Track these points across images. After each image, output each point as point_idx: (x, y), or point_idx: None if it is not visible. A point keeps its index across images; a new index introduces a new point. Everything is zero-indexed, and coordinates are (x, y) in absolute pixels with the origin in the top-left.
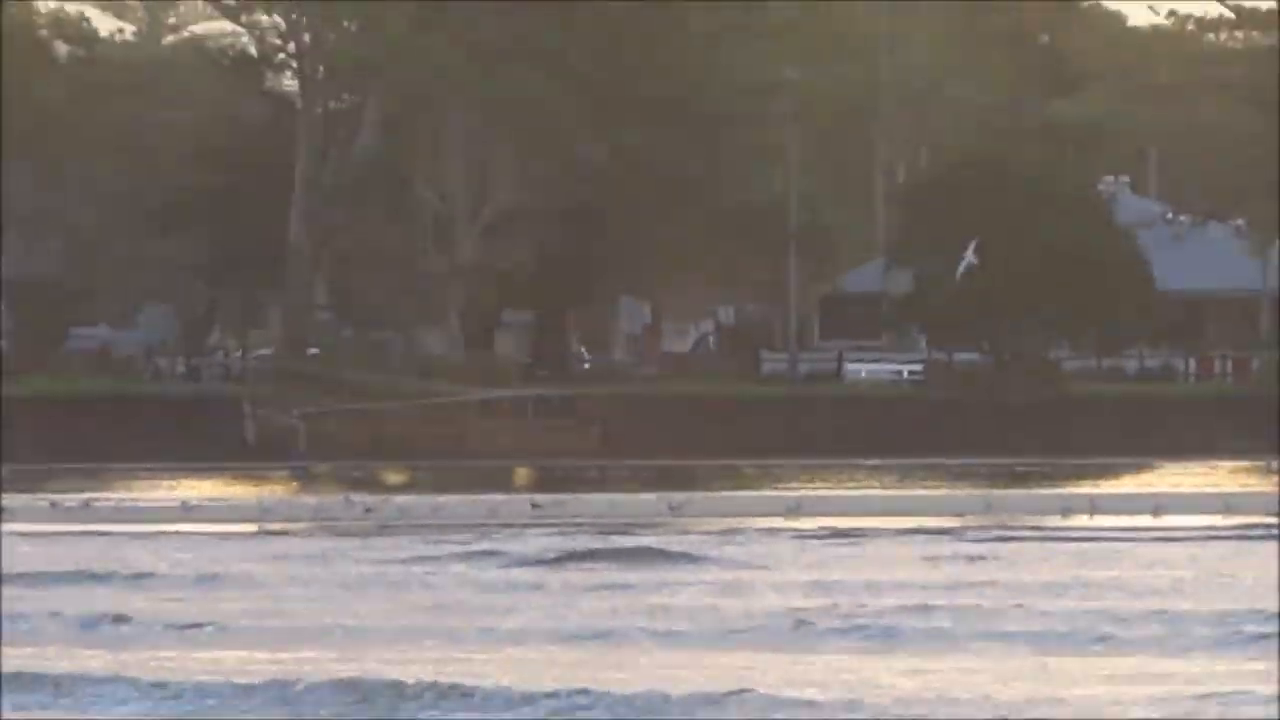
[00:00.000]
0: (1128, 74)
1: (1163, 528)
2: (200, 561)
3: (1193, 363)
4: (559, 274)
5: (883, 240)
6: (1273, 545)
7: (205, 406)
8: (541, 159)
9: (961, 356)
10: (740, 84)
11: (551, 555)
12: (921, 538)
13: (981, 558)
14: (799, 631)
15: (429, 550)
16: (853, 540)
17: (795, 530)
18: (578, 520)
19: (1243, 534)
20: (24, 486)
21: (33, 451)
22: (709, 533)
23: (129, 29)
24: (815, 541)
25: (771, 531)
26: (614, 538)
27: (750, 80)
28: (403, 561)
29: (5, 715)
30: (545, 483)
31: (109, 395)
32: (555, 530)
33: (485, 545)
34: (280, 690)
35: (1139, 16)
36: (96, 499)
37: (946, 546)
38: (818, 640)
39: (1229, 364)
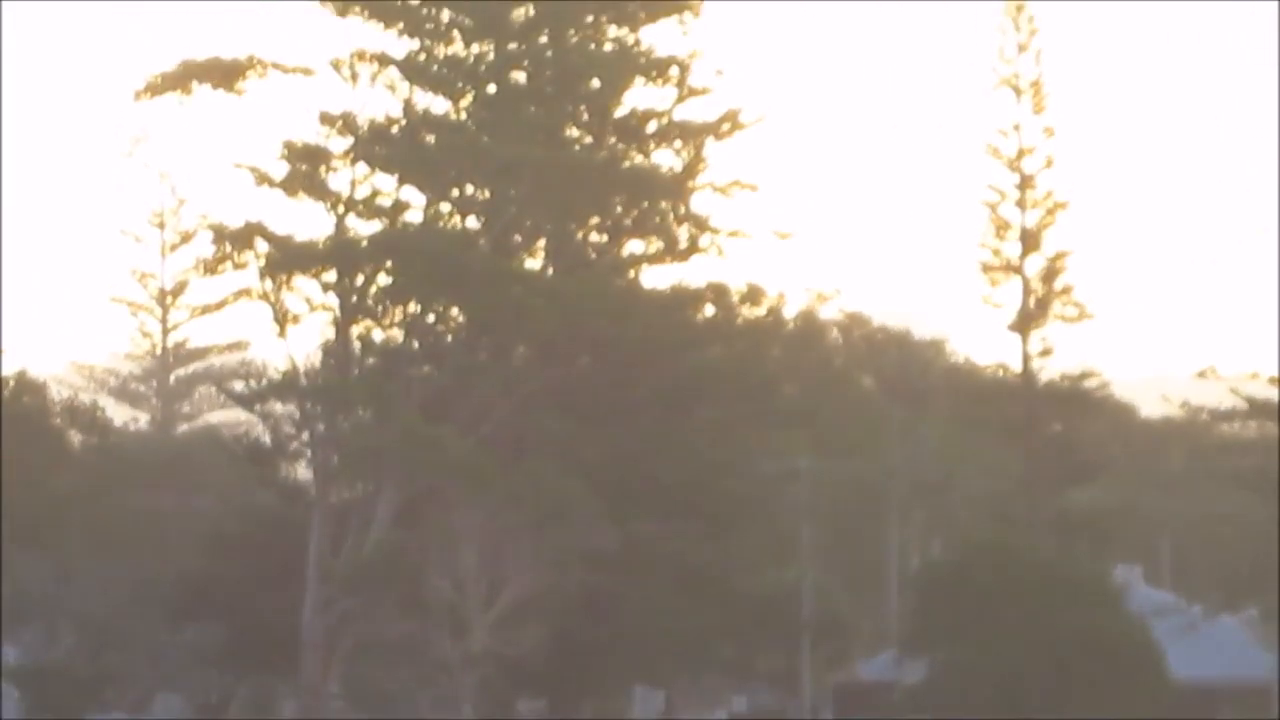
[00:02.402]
0: (1140, 463)
1: None
2: None
3: None
4: (573, 661)
5: (897, 629)
6: None
7: None
8: (555, 547)
9: None
10: (753, 474)
11: None
12: None
13: None
14: None
15: None
16: None
17: None
18: None
19: None
20: None
21: None
22: None
23: (143, 418)
24: None
25: None
26: None
27: (763, 470)
28: None
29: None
30: None
31: None
32: None
33: None
34: None
35: (1151, 407)
36: None
37: None
38: None
39: None
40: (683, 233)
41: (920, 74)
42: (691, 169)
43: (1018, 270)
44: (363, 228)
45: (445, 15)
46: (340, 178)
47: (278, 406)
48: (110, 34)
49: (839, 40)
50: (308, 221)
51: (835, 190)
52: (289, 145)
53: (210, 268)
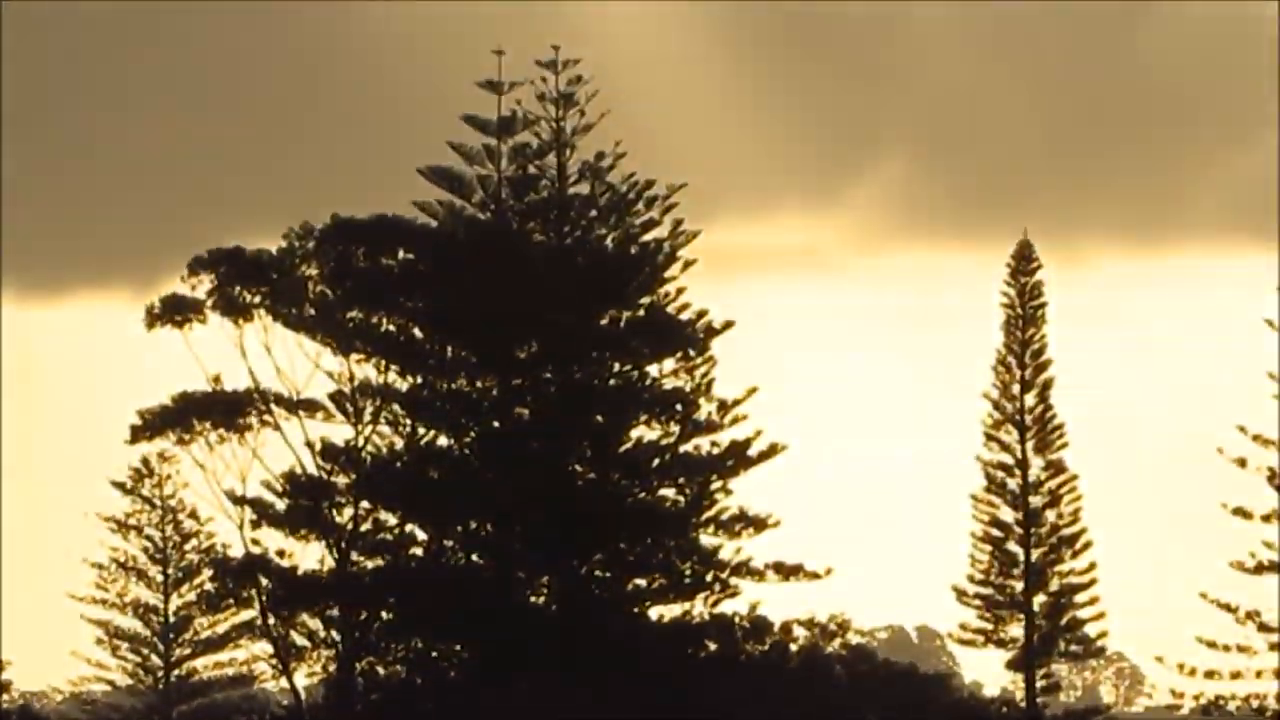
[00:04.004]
0: None
1: None
2: None
3: None
4: None
5: None
6: None
7: None
8: None
9: None
10: None
11: None
12: None
13: None
14: None
15: None
16: None
17: None
18: None
19: None
20: None
21: None
22: None
23: None
24: None
25: None
26: None
27: None
28: None
29: None
30: None
31: None
32: None
33: None
34: None
35: None
36: None
37: None
38: None
39: None
40: (687, 569)
41: (924, 400)
42: (696, 505)
43: (1022, 607)
44: (366, 563)
45: (449, 351)
46: (343, 512)
47: None
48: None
49: (840, 365)
50: (311, 554)
51: (843, 514)
52: (291, 479)
53: (213, 604)
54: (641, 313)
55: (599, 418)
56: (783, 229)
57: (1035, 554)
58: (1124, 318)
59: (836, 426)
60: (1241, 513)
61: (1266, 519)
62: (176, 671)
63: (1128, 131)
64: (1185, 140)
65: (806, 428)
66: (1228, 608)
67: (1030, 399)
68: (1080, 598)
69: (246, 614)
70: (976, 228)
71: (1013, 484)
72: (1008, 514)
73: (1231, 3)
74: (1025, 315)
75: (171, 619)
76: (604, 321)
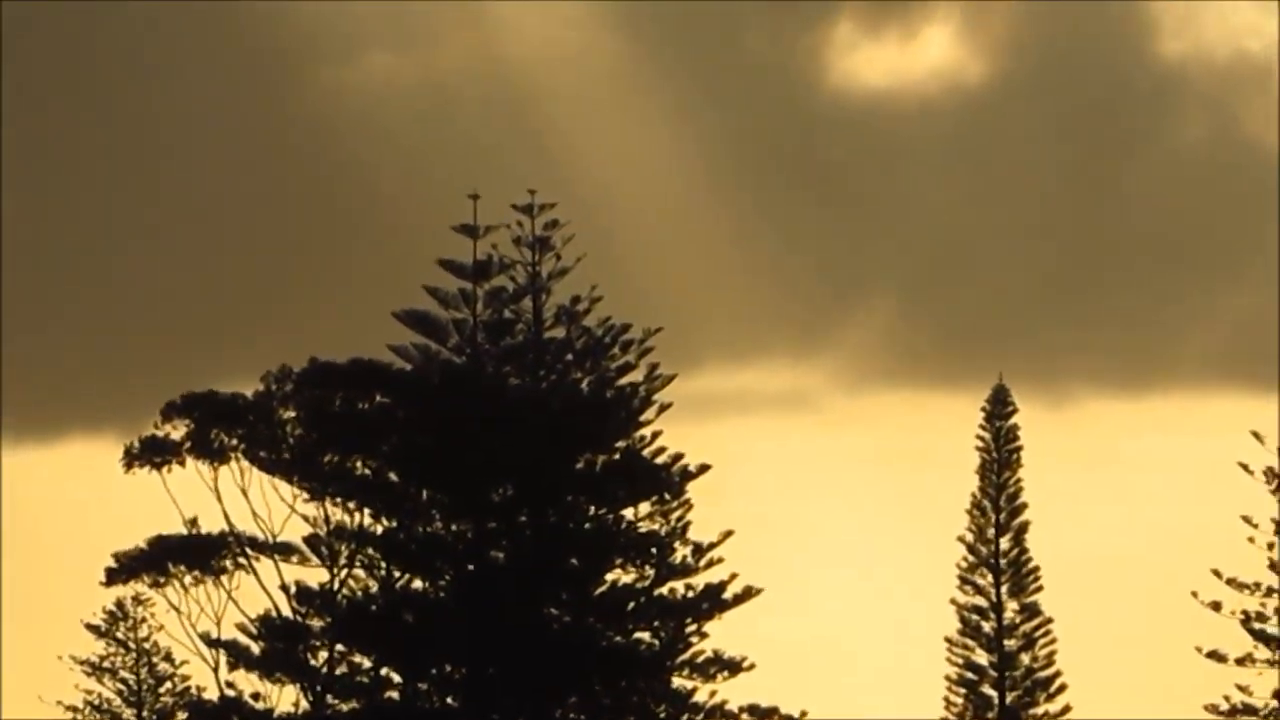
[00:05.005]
0: None
1: None
2: None
3: None
4: None
5: None
6: None
7: None
8: None
9: None
10: None
11: None
12: None
13: None
14: None
15: None
16: None
17: None
18: None
19: None
20: None
21: None
22: None
23: None
24: None
25: None
26: None
27: None
28: None
29: None
30: None
31: None
32: None
33: None
34: None
35: None
36: None
37: None
38: None
39: None
40: (661, 712)
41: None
42: (670, 648)
43: None
44: (341, 706)
45: (424, 494)
46: (318, 655)
47: None
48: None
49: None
50: (286, 697)
51: (818, 656)
52: (266, 622)
53: None
54: (617, 456)
55: (574, 561)
56: (768, 372)
57: (1010, 697)
58: (1106, 460)
59: (813, 569)
60: (1216, 656)
61: (1240, 662)
62: None
63: (1116, 274)
64: (1173, 283)
65: (783, 570)
66: None
67: (1005, 542)
68: None
69: None
70: (964, 370)
71: (987, 627)
72: (982, 657)
73: (1218, 145)
74: (1000, 459)
75: None
76: (579, 465)
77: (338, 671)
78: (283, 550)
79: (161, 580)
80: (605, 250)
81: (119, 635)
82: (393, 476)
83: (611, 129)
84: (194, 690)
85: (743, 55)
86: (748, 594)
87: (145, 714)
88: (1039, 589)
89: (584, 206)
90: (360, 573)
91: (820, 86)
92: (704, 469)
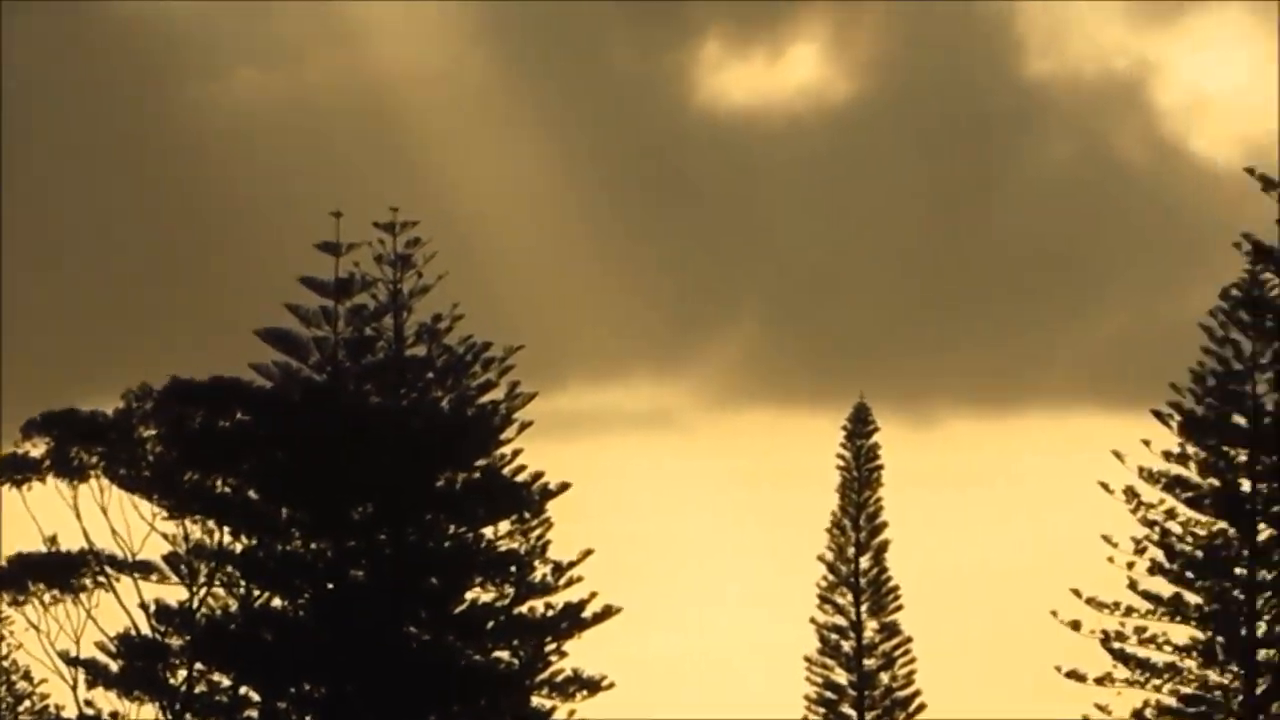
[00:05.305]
0: None
1: None
2: None
3: None
4: None
5: None
6: None
7: None
8: None
9: None
10: None
11: None
12: None
13: None
14: None
15: None
16: None
17: None
18: None
19: None
20: None
21: None
22: None
23: None
24: None
25: None
26: None
27: None
28: None
29: None
30: None
31: None
32: None
33: None
34: None
35: None
36: None
37: None
38: None
39: None
40: None
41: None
42: (530, 667)
43: None
44: None
45: (283, 512)
46: (177, 674)
47: None
48: None
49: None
50: (145, 716)
51: (678, 675)
52: (125, 641)
53: None
54: (477, 475)
55: (433, 579)
56: (630, 390)
57: (869, 717)
58: (967, 479)
59: (674, 588)
60: (1075, 675)
61: (1100, 682)
62: None
63: (979, 293)
64: (1036, 302)
65: (643, 589)
66: None
67: (865, 561)
68: None
69: None
70: (827, 389)
71: (847, 646)
72: (842, 676)
73: (1084, 164)
74: (861, 478)
75: None
76: (439, 483)
77: (197, 690)
78: (142, 568)
79: (21, 598)
80: (467, 268)
81: None
82: (253, 494)
83: (476, 146)
84: (53, 709)
85: (609, 73)
86: (607, 613)
87: None
88: (899, 608)
89: (447, 224)
90: (220, 591)
91: (687, 104)
92: (564, 487)
